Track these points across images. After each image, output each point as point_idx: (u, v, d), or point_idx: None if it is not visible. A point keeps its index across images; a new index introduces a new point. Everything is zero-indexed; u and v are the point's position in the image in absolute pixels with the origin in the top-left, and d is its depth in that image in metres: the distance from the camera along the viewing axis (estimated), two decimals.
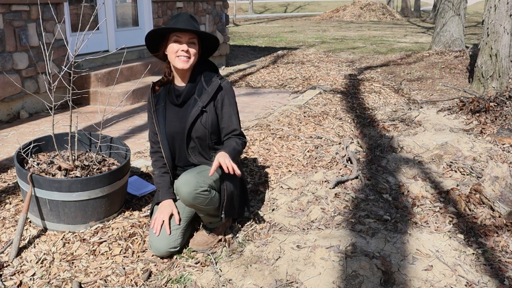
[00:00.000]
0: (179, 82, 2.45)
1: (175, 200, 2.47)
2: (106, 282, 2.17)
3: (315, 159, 3.63)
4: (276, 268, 2.21)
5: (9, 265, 2.25)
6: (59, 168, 2.57)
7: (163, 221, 2.36)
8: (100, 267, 2.26)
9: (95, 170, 2.63)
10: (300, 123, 4.61)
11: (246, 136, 4.09)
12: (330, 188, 2.97)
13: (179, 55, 2.30)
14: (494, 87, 6.02)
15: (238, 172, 2.16)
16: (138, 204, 2.88)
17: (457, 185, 2.95)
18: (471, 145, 3.52)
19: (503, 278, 2.09)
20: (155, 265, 2.32)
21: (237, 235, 2.57)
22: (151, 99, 2.48)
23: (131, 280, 2.19)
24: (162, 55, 2.42)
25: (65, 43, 5.09)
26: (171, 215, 2.39)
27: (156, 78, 5.71)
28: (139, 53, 6.66)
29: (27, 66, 4.80)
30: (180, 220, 2.39)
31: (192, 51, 2.32)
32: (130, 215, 2.72)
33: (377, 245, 2.31)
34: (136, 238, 2.49)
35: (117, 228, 2.55)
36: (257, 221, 2.70)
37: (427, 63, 8.05)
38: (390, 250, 2.27)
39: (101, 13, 6.11)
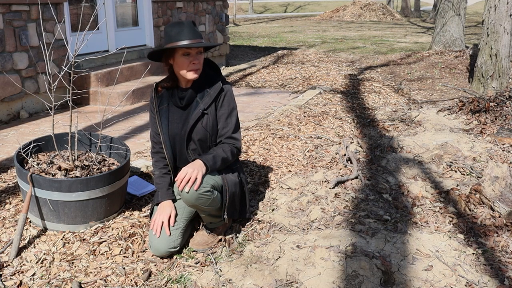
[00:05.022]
0: (182, 85, 2.46)
1: (174, 201, 2.47)
2: (106, 282, 2.17)
3: (315, 159, 3.63)
4: (276, 268, 2.21)
5: (9, 265, 2.25)
6: (59, 168, 2.57)
7: (163, 222, 2.37)
8: (100, 267, 2.26)
9: (95, 170, 2.63)
10: (300, 123, 4.61)
11: (246, 136, 4.10)
12: (330, 188, 2.97)
13: (191, 69, 2.32)
14: (494, 87, 6.02)
15: (195, 187, 2.19)
16: (138, 204, 2.88)
17: (457, 185, 2.95)
18: (471, 145, 3.52)
19: (503, 278, 2.09)
20: (155, 265, 2.32)
21: (237, 235, 2.57)
22: (154, 100, 2.49)
23: (131, 280, 2.19)
24: (166, 64, 2.41)
25: (65, 43, 5.09)
26: (171, 216, 2.40)
27: (156, 78, 5.71)
28: (139, 53, 6.66)
29: (27, 66, 4.80)
30: (175, 222, 2.40)
31: (201, 60, 2.36)
32: (130, 215, 2.72)
33: (377, 245, 2.31)
34: (136, 238, 2.49)
35: (117, 228, 2.55)
36: (257, 221, 2.70)
37: (427, 63, 8.05)
38: (390, 250, 2.27)
39: (101, 13, 6.11)
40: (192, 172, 2.21)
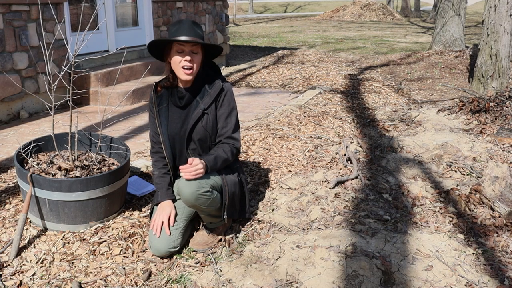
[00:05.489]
0: (182, 84, 2.45)
1: (174, 201, 2.47)
2: (106, 282, 2.17)
3: (315, 159, 3.63)
4: (276, 268, 2.21)
5: (9, 265, 2.25)
6: (59, 168, 2.57)
7: (163, 222, 2.37)
8: (100, 267, 2.26)
9: (95, 170, 2.63)
10: (300, 123, 4.61)
11: (246, 136, 4.10)
12: (330, 188, 2.97)
13: (183, 66, 2.31)
14: (494, 87, 6.02)
15: (194, 174, 2.19)
16: (138, 204, 2.88)
17: (457, 185, 2.95)
18: (471, 145, 3.52)
19: (503, 278, 2.10)
20: (155, 265, 2.32)
21: (237, 235, 2.57)
22: (154, 100, 2.48)
23: (131, 280, 2.19)
24: (167, 63, 2.42)
25: (65, 43, 5.10)
26: (170, 216, 2.40)
27: (156, 78, 5.72)
28: (139, 53, 6.66)
29: (27, 66, 4.80)
30: (175, 222, 2.40)
31: (195, 61, 2.33)
32: (130, 215, 2.72)
33: (377, 245, 2.31)
34: (136, 238, 2.49)
35: (117, 228, 2.55)
36: (257, 221, 2.70)
37: (427, 63, 8.05)
38: (390, 250, 2.27)
39: (101, 13, 6.11)
40: (200, 167, 2.21)
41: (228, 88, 2.47)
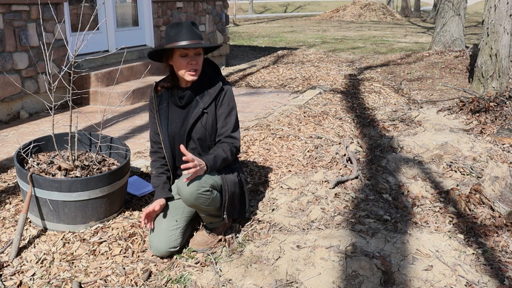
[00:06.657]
0: (182, 84, 2.46)
1: (170, 198, 2.47)
2: (106, 282, 2.17)
3: (315, 159, 3.63)
4: (276, 268, 2.21)
5: (9, 265, 2.25)
6: (59, 168, 2.57)
7: (146, 214, 2.37)
8: (100, 267, 2.27)
9: (95, 170, 2.63)
10: (300, 123, 4.61)
11: (246, 136, 4.10)
12: (330, 188, 2.97)
13: (189, 69, 2.33)
14: (494, 87, 6.02)
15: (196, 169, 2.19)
16: (138, 204, 2.88)
17: (457, 185, 2.95)
18: (471, 145, 3.52)
19: (503, 278, 2.10)
20: (155, 265, 2.32)
21: (237, 235, 2.57)
22: (154, 100, 2.49)
23: (131, 280, 2.19)
24: (167, 64, 2.43)
25: (65, 43, 5.09)
26: (154, 209, 2.39)
27: (156, 78, 5.71)
28: (139, 53, 6.66)
29: (27, 66, 4.80)
30: (176, 221, 2.40)
31: (199, 62, 2.36)
32: (130, 215, 2.72)
33: (377, 245, 2.31)
34: (136, 238, 2.49)
35: (117, 228, 2.55)
36: (257, 221, 2.70)
37: (427, 63, 8.05)
38: (390, 250, 2.27)
39: (101, 13, 6.11)
40: (199, 169, 2.21)
41: (228, 87, 2.47)
